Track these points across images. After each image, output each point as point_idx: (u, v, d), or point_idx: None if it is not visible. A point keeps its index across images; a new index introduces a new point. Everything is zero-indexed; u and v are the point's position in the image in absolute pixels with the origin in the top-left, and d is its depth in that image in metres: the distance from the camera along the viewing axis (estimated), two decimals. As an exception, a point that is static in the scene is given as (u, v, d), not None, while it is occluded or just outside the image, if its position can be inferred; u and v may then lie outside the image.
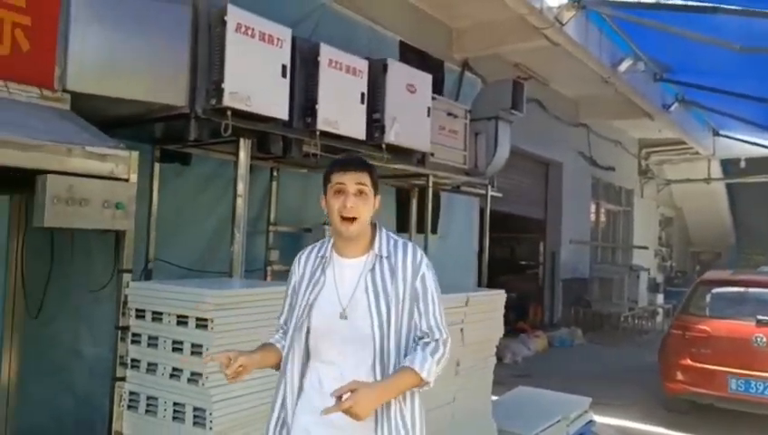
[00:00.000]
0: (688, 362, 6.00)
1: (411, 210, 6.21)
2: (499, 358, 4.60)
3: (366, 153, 4.23)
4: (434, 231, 6.39)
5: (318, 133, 3.88)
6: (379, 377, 1.83)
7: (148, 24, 3.11)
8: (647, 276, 12.29)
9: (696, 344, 6.00)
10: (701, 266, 18.63)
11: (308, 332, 1.91)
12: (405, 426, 1.86)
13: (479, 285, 6.80)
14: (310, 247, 2.04)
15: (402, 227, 6.27)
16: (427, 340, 1.89)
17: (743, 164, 15.17)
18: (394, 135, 4.32)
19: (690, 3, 5.91)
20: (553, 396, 5.52)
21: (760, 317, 5.75)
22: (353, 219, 1.85)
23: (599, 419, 5.68)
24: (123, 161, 2.56)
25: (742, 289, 6.50)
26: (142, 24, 3.08)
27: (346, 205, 1.83)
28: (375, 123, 4.26)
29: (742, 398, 5.67)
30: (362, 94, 4.13)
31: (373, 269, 1.88)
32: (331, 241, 1.96)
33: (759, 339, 5.63)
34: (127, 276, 2.63)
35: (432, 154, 5.13)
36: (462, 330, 3.84)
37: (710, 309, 6.32)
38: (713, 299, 6.41)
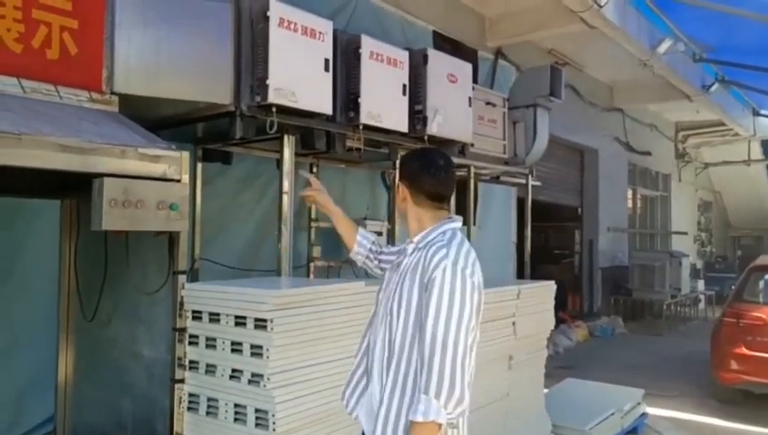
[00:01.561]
0: (743, 350, 5.83)
1: (450, 202, 6.11)
2: (542, 349, 4.51)
3: (409, 146, 4.16)
4: (473, 222, 6.29)
5: (361, 127, 3.82)
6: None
7: (191, 23, 3.08)
8: (689, 263, 11.98)
9: (750, 333, 5.82)
10: (742, 251, 18.15)
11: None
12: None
13: (521, 276, 6.69)
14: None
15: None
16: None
17: (785, 144, 14.71)
18: (436, 126, 4.23)
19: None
20: (604, 388, 5.42)
21: (817, 303, 5.55)
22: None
23: (650, 410, 5.55)
24: (175, 162, 2.53)
25: (797, 274, 6.28)
26: (185, 24, 3.06)
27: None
28: (417, 115, 4.17)
29: (799, 387, 5.49)
30: (404, 86, 4.05)
31: (398, 263, 2.01)
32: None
33: (818, 326, 5.43)
34: (182, 278, 2.61)
35: (472, 144, 5.03)
36: (514, 323, 3.76)
37: (764, 296, 6.12)
38: (766, 285, 6.21)
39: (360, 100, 3.75)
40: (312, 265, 5.05)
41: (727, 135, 13.68)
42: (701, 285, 12.76)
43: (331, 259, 5.12)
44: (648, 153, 13.10)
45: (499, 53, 7.80)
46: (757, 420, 5.68)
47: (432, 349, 1.71)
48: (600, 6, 6.27)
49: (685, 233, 15.23)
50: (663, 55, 7.93)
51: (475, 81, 6.60)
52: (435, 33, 6.61)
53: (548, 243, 12.37)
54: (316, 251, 5.05)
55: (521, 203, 6.89)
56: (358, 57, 3.77)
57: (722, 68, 9.42)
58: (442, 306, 1.74)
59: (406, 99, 4.07)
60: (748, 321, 5.84)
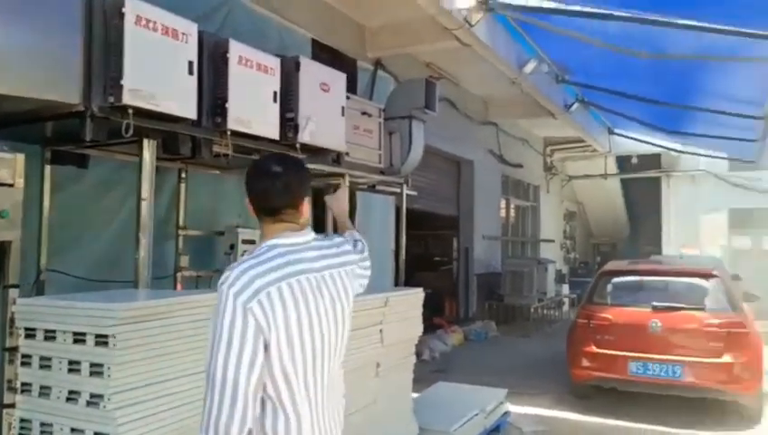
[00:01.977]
0: (593, 348, 6.31)
1: (328, 210, 6.12)
2: (417, 354, 4.63)
3: (280, 153, 4.10)
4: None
5: (229, 133, 3.72)
6: None
7: (35, 14, 2.84)
8: (554, 268, 12.86)
9: (599, 332, 6.32)
10: (601, 257, 19.78)
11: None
12: None
13: (396, 283, 6.83)
14: None
15: (320, 227, 6.18)
16: None
17: (634, 160, 16.25)
18: (308, 135, 4.22)
19: (586, 9, 6.20)
20: (471, 390, 5.65)
21: (655, 304, 6.15)
22: None
23: (514, 409, 5.87)
24: (7, 165, 2.32)
25: (639, 278, 6.94)
26: (28, 15, 2.81)
27: None
28: (288, 123, 4.14)
29: (640, 380, 6.04)
30: (275, 93, 4.00)
31: None
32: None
33: (655, 324, 6.01)
34: (14, 292, 2.38)
35: (347, 154, 5.07)
36: (381, 331, 3.83)
37: (611, 298, 6.69)
38: (614, 288, 6.79)
39: (227, 105, 3.65)
40: (179, 275, 4.83)
41: (587, 151, 14.88)
42: (565, 288, 13.76)
43: (201, 269, 4.94)
44: (520, 165, 13.93)
45: (379, 64, 7.95)
46: (608, 413, 6.20)
47: (206, 382, 1.55)
48: (471, 25, 6.58)
49: (552, 241, 16.34)
50: (529, 75, 8.47)
51: (354, 90, 6.71)
52: (314, 41, 6.60)
53: (427, 251, 12.77)
54: (184, 261, 4.83)
55: (398, 212, 7.07)
56: (225, 62, 3.67)
57: (581, 90, 10.24)
58: (215, 336, 1.56)
59: (277, 106, 4.03)
60: (597, 321, 6.35)
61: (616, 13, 5.96)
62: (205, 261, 5.05)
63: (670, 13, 5.53)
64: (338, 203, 2.47)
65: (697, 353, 5.81)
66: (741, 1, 4.94)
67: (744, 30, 5.25)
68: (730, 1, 5.01)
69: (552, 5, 6.59)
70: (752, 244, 16.20)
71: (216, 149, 3.82)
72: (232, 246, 5.00)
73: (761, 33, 5.14)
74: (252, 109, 3.84)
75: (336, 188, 2.54)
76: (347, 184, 5.46)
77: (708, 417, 6.05)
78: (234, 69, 3.72)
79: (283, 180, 1.76)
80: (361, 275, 2.07)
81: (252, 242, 5.01)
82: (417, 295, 4.37)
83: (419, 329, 4.40)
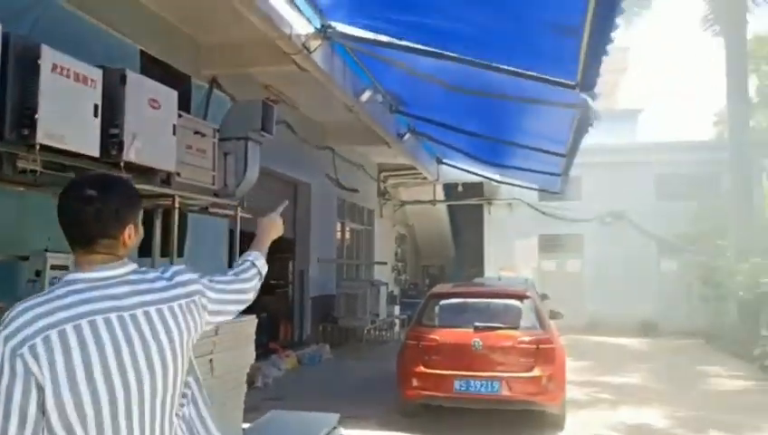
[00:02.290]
0: (422, 368, 6.61)
1: (155, 233, 5.74)
2: (250, 382, 4.50)
3: (102, 171, 3.78)
4: (180, 254, 6.01)
5: (38, 148, 3.35)
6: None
7: None
8: (386, 290, 13.30)
9: (427, 352, 6.64)
10: (429, 279, 20.89)
11: None
12: None
13: (229, 309, 6.58)
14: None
15: (145, 251, 5.76)
16: None
17: (460, 188, 17.47)
18: (134, 153, 3.95)
19: (418, 46, 6.61)
20: (303, 416, 5.57)
21: (477, 324, 6.62)
22: None
23: (346, 432, 5.91)
24: None
25: (463, 300, 7.44)
26: None
27: None
28: (112, 139, 3.84)
29: (464, 396, 6.44)
30: (96, 106, 3.69)
31: None
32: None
33: (477, 343, 6.47)
34: None
35: (178, 174, 4.83)
36: (211, 361, 3.66)
37: (438, 319, 7.08)
38: (440, 310, 7.20)
39: (37, 117, 3.29)
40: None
41: (418, 178, 15.71)
42: (397, 310, 14.29)
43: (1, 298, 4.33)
44: (356, 190, 14.28)
45: (214, 83, 7.71)
46: (434, 431, 6.51)
47: None
48: (310, 52, 6.66)
49: (385, 263, 16.91)
50: (365, 104, 8.77)
51: (187, 108, 6.42)
52: (143, 53, 6.23)
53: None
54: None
55: (232, 235, 6.85)
56: (36, 69, 3.31)
57: (413, 120, 10.82)
58: None
59: (98, 120, 3.72)
60: (426, 342, 6.67)
61: (439, 51, 6.42)
62: (4, 288, 4.45)
63: (485, 56, 6.07)
64: (271, 231, 2.19)
65: (512, 369, 6.35)
66: (540, 51, 5.57)
67: (543, 76, 5.93)
68: (533, 51, 5.63)
69: (386, 39, 6.93)
70: (557, 266, 18.23)
71: (22, 164, 3.42)
72: (38, 273, 4.46)
73: (555, 79, 5.84)
74: (67, 122, 3.51)
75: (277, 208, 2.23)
76: (176, 205, 5.19)
77: (525, 427, 6.61)
78: (46, 77, 3.37)
79: (97, 206, 1.53)
80: (207, 307, 1.74)
81: (64, 268, 4.53)
82: (249, 322, 4.26)
83: (252, 357, 4.29)
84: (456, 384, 6.40)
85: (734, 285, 12.79)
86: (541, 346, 6.38)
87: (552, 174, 10.67)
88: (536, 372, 6.30)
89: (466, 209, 19.03)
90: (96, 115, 3.69)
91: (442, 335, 6.71)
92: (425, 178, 15.29)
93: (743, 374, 10.49)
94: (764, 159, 17.52)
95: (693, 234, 15.48)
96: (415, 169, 14.46)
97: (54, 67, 3.40)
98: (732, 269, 13.08)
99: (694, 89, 55.03)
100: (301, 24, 6.48)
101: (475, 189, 17.62)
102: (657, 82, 54.68)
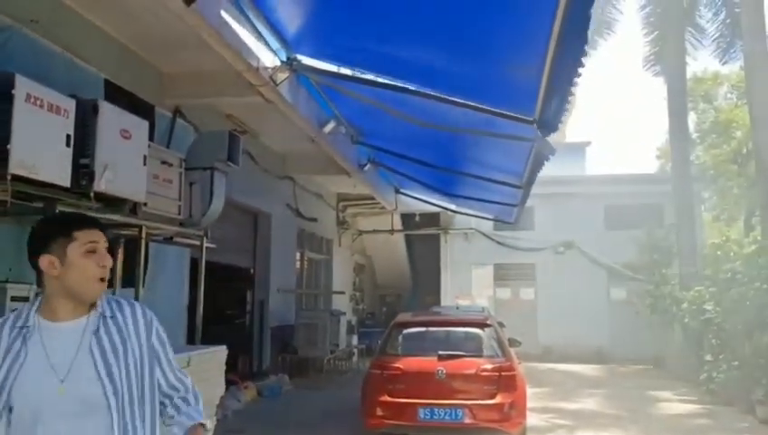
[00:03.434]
0: (386, 398, 6.63)
1: (117, 263, 5.66)
2: (213, 416, 4.45)
3: (71, 202, 3.76)
4: (143, 284, 5.93)
5: (9, 178, 3.31)
6: None
7: None
8: (345, 320, 13.27)
9: (392, 381, 6.68)
10: (387, 308, 20.93)
11: (9, 422, 1.59)
12: None
13: (192, 340, 6.49)
14: (10, 317, 1.72)
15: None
16: (182, 394, 1.89)
17: (417, 218, 17.70)
18: (105, 183, 3.94)
19: (381, 80, 6.80)
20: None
21: (441, 352, 6.72)
22: (105, 279, 1.74)
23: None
24: None
25: (426, 329, 7.53)
26: None
27: (104, 264, 1.72)
28: (83, 169, 3.82)
29: (428, 424, 6.48)
30: (68, 136, 3.68)
31: (97, 331, 1.69)
32: (35, 306, 1.72)
33: (440, 372, 6.55)
34: None
35: (145, 204, 4.81)
36: (183, 393, 3.62)
37: (402, 348, 7.14)
38: (404, 339, 7.27)
39: (9, 147, 3.27)
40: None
41: (376, 207, 15.87)
42: (355, 339, 14.24)
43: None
44: (315, 219, 14.30)
45: (178, 112, 7.70)
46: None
47: (184, 375, 1.94)
48: (277, 84, 6.77)
49: (343, 292, 16.88)
50: (328, 135, 8.90)
51: (151, 138, 6.40)
52: (107, 82, 6.20)
53: (220, 304, 12.33)
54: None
55: (194, 264, 6.78)
56: (10, 99, 3.30)
57: (373, 151, 11.01)
58: (170, 348, 1.91)
59: (70, 151, 3.71)
60: (390, 371, 6.71)
61: (401, 85, 6.63)
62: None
63: (446, 90, 6.30)
64: None
65: (476, 396, 6.45)
66: (500, 87, 5.83)
67: (502, 111, 6.19)
68: (492, 87, 5.88)
69: (349, 73, 7.11)
70: (512, 295, 18.59)
71: (-9, 194, 3.38)
72: (-2, 305, 4.35)
73: (514, 115, 6.11)
74: (40, 152, 3.49)
75: None
76: (143, 235, 5.15)
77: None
78: (20, 107, 3.37)
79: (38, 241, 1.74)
80: None
81: (24, 299, 4.42)
82: (219, 353, 4.24)
83: (222, 388, 4.26)
84: (421, 413, 6.45)
85: (679, 313, 13.32)
86: (503, 373, 6.52)
87: (507, 204, 11.00)
88: (499, 399, 6.42)
89: (424, 239, 19.26)
90: (68, 145, 3.67)
91: (406, 364, 6.76)
92: (383, 207, 15.45)
93: (690, 398, 10.90)
94: (704, 191, 18.51)
95: (640, 263, 16.09)
96: (373, 198, 14.62)
97: (28, 97, 3.39)
98: (677, 297, 13.64)
99: (638, 124, 57.70)
100: (267, 57, 6.60)
101: (432, 219, 17.89)
102: (604, 117, 57.08)
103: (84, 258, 1.69)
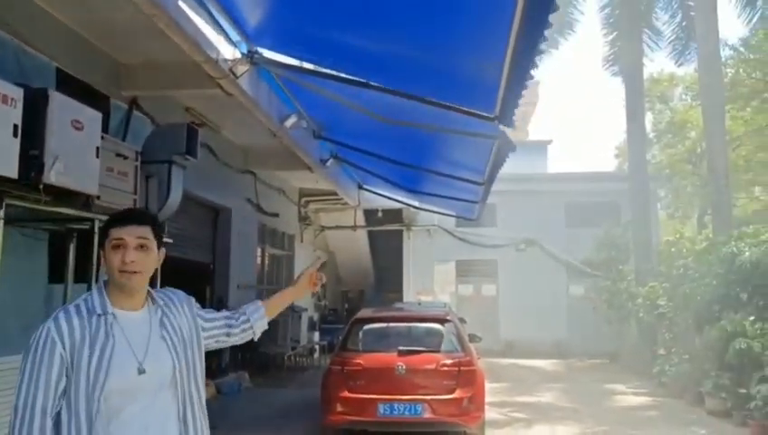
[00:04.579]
0: (346, 393, 6.63)
1: (69, 258, 5.48)
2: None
3: (19, 194, 3.62)
4: (97, 280, 5.76)
5: (-49, 168, 3.18)
6: (189, 423, 1.91)
7: None
8: (307, 316, 13.20)
9: (352, 377, 6.68)
10: (349, 304, 20.91)
11: (99, 401, 1.76)
12: None
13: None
14: (72, 309, 1.86)
15: (57, 277, 5.47)
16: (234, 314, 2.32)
17: (380, 214, 17.73)
18: (55, 175, 3.81)
19: (344, 75, 6.76)
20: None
21: (401, 348, 6.74)
22: (134, 272, 1.87)
23: (270, 461, 5.82)
24: None
25: (386, 324, 7.55)
26: None
27: (125, 260, 1.85)
28: (32, 160, 3.69)
29: (388, 420, 6.51)
30: (15, 127, 3.55)
31: (162, 320, 1.95)
32: (100, 297, 1.89)
33: (400, 367, 6.58)
34: None
35: (98, 197, 4.67)
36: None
37: (362, 344, 7.14)
38: (364, 335, 7.27)
39: (-48, 136, 3.13)
40: None
41: (339, 203, 15.81)
42: (317, 336, 14.20)
43: None
44: (277, 215, 14.17)
45: (134, 104, 7.50)
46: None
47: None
48: (237, 77, 6.65)
49: (305, 289, 16.78)
50: (289, 129, 8.80)
51: (105, 129, 6.21)
52: (59, 71, 5.99)
53: (178, 300, 12.09)
54: None
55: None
56: (-48, 86, 3.17)
57: (335, 146, 10.95)
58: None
59: (18, 141, 3.57)
60: (350, 367, 6.71)
61: (362, 81, 6.60)
62: None
63: (407, 87, 6.31)
64: (298, 289, 2.56)
65: (435, 391, 6.50)
66: (461, 84, 5.87)
67: (463, 108, 6.24)
68: (454, 83, 5.92)
69: (311, 67, 7.05)
70: (473, 290, 18.80)
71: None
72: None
73: (475, 111, 6.16)
74: (-16, 142, 3.35)
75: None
76: (96, 230, 5.00)
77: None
78: (-36, 95, 3.22)
79: None
80: None
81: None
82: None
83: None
84: (380, 408, 6.47)
85: (634, 308, 13.69)
86: (462, 368, 6.58)
87: (469, 201, 11.10)
88: (457, 393, 6.48)
89: (386, 235, 19.30)
90: (15, 135, 3.54)
91: (366, 360, 6.77)
92: (346, 203, 15.39)
93: (644, 391, 11.22)
94: (660, 190, 19.05)
95: (598, 260, 16.48)
96: (336, 194, 14.54)
97: (-28, 85, 3.25)
98: (632, 292, 14.01)
99: (598, 123, 58.97)
100: (227, 49, 6.47)
101: (394, 215, 17.93)
102: (565, 116, 58.23)
103: (110, 253, 1.88)
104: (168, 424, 1.88)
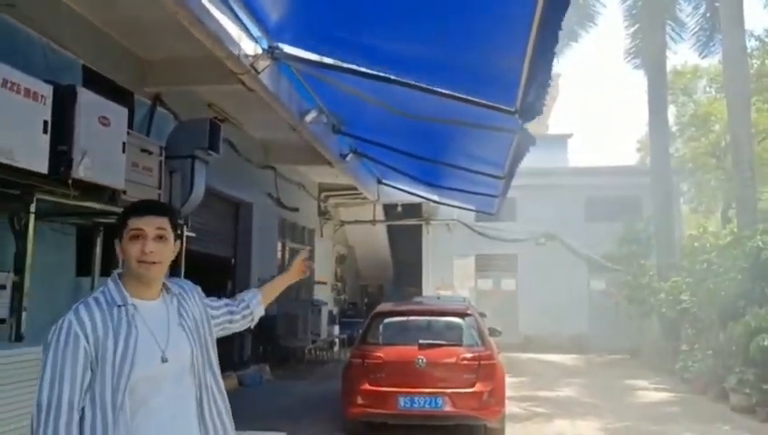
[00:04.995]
0: (367, 386, 6.67)
1: (95, 251, 5.60)
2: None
3: (49, 189, 3.71)
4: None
5: (-15, 164, 3.27)
6: (205, 408, 1.93)
7: None
8: (327, 310, 13.29)
9: (372, 370, 6.72)
10: (368, 298, 20.97)
11: (125, 392, 1.77)
12: (224, 427, 1.99)
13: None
14: (92, 302, 1.84)
15: (84, 270, 5.60)
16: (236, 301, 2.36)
17: (399, 209, 17.75)
18: (83, 170, 3.90)
19: (362, 69, 6.78)
20: (249, 437, 5.54)
21: (421, 341, 6.76)
22: (153, 263, 1.87)
23: (292, 452, 5.90)
24: None
25: (407, 318, 7.57)
26: None
27: (144, 250, 1.86)
28: (61, 156, 3.78)
29: (408, 413, 6.54)
30: (45, 123, 3.63)
31: (180, 308, 1.98)
32: (117, 288, 1.88)
33: (420, 361, 6.60)
34: None
35: (124, 191, 4.77)
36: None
37: (383, 337, 7.18)
38: (385, 328, 7.30)
39: (-15, 132, 3.22)
40: None
41: (358, 198, 15.86)
42: (336, 329, 14.27)
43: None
44: (297, 209, 14.26)
45: (158, 100, 7.61)
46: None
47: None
48: (258, 72, 6.71)
49: (324, 283, 16.90)
50: (309, 124, 8.85)
51: (130, 125, 6.32)
52: (85, 68, 6.10)
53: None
54: None
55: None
56: (-15, 83, 3.25)
57: (355, 141, 10.98)
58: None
59: (47, 137, 3.66)
60: (371, 360, 6.75)
61: (383, 75, 6.61)
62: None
63: (427, 81, 6.30)
64: (290, 275, 2.63)
65: (455, 385, 6.51)
66: (481, 77, 5.85)
67: (483, 102, 6.22)
68: (474, 77, 5.90)
69: (331, 62, 7.07)
70: (493, 285, 18.74)
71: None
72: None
73: (495, 105, 6.14)
74: (17, 139, 3.44)
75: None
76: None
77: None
78: (-4, 92, 3.31)
79: None
80: None
81: (2, 287, 4.37)
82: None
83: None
84: (401, 401, 6.50)
85: (656, 303, 13.55)
86: (482, 362, 6.59)
87: (489, 196, 11.06)
88: (478, 387, 6.49)
89: (405, 230, 19.30)
90: (45, 132, 3.63)
91: (386, 353, 6.80)
92: (365, 198, 15.44)
93: (665, 387, 11.12)
94: (682, 184, 18.78)
95: (619, 254, 16.32)
96: (355, 189, 14.59)
97: (4, 83, 3.34)
98: (654, 287, 13.86)
99: (619, 116, 58.25)
100: (248, 45, 6.53)
101: (414, 210, 17.92)
102: (586, 110, 57.60)
103: (128, 244, 1.88)
104: (191, 412, 1.91)
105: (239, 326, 2.34)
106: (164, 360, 1.84)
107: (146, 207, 1.95)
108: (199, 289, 2.15)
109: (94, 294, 1.87)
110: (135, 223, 1.88)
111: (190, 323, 1.97)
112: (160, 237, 1.89)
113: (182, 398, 1.89)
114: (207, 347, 2.02)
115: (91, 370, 1.75)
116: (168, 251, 1.94)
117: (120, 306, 1.84)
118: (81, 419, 1.73)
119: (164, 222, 1.92)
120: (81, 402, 1.73)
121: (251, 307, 2.37)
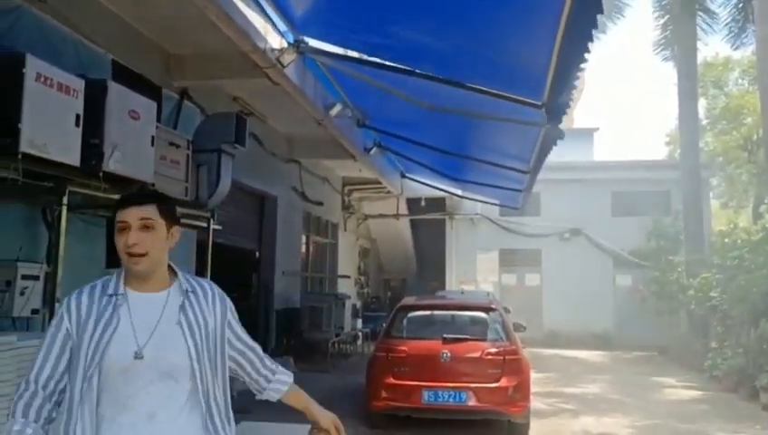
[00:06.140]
0: (391, 380, 6.69)
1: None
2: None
3: (80, 182, 3.78)
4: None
5: (20, 156, 3.33)
6: (204, 412, 1.83)
7: None
8: (350, 304, 13.34)
9: (396, 364, 6.73)
10: (391, 292, 21.00)
11: (99, 383, 1.75)
12: None
13: (199, 321, 6.53)
14: (87, 288, 1.86)
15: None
16: (258, 353, 2.20)
17: (423, 203, 17.71)
18: (113, 163, 3.96)
19: (388, 63, 6.76)
20: (275, 428, 5.57)
21: (445, 335, 6.75)
22: (141, 255, 1.80)
23: (317, 444, 5.93)
24: None
25: (431, 312, 7.56)
26: None
27: (128, 242, 1.79)
28: (92, 149, 3.84)
29: (432, 407, 6.55)
30: (77, 116, 3.69)
31: (183, 305, 1.86)
32: (121, 277, 1.86)
33: (445, 355, 6.59)
34: None
35: (153, 185, 4.82)
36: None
37: (407, 331, 7.18)
38: (409, 322, 7.31)
39: (20, 125, 3.28)
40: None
41: (382, 192, 15.86)
42: (359, 323, 14.33)
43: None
44: (321, 203, 14.32)
45: (185, 94, 7.68)
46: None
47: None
48: (284, 66, 6.74)
49: (348, 277, 16.95)
50: (334, 118, 8.87)
51: (158, 119, 6.40)
52: (114, 62, 6.18)
53: (225, 286, 12.30)
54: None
55: (199, 246, 6.81)
56: (20, 78, 3.31)
57: (379, 135, 10.97)
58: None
59: (79, 130, 3.72)
60: (395, 354, 6.76)
61: (408, 68, 6.57)
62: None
63: (453, 74, 6.26)
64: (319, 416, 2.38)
65: (480, 379, 6.49)
66: (508, 71, 5.79)
67: (509, 95, 6.15)
68: (501, 70, 5.84)
69: (356, 55, 7.07)
70: (517, 280, 18.61)
71: (1, 173, 3.40)
72: (8, 283, 4.41)
73: (522, 99, 6.07)
74: (49, 132, 3.50)
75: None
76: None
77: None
78: (30, 87, 3.38)
79: None
80: None
81: (35, 278, 4.46)
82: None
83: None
84: (425, 395, 6.50)
85: (685, 299, 13.32)
86: (507, 357, 6.55)
87: (513, 190, 10.96)
88: (503, 382, 6.46)
89: (429, 224, 19.26)
90: (77, 125, 3.69)
91: (411, 347, 6.80)
92: (389, 192, 15.43)
93: (694, 385, 10.94)
94: (712, 178, 18.40)
95: (646, 250, 16.06)
96: (379, 182, 14.60)
97: (38, 77, 3.40)
98: (683, 284, 13.63)
99: (647, 110, 57.24)
100: (274, 39, 6.56)
101: (437, 204, 17.87)
102: (612, 103, 56.73)
103: (117, 235, 1.84)
104: (182, 418, 1.79)
105: (248, 381, 2.19)
106: (138, 356, 1.75)
107: (129, 199, 1.88)
108: (229, 302, 2.02)
109: (95, 282, 1.88)
110: (120, 215, 1.83)
111: (194, 325, 1.85)
112: (147, 227, 1.81)
113: (169, 399, 1.78)
114: (216, 361, 1.89)
115: (71, 351, 1.78)
116: (157, 240, 1.83)
117: (110, 295, 1.81)
118: (62, 400, 1.78)
119: (149, 211, 1.82)
120: (63, 382, 1.78)
121: (275, 376, 2.23)
